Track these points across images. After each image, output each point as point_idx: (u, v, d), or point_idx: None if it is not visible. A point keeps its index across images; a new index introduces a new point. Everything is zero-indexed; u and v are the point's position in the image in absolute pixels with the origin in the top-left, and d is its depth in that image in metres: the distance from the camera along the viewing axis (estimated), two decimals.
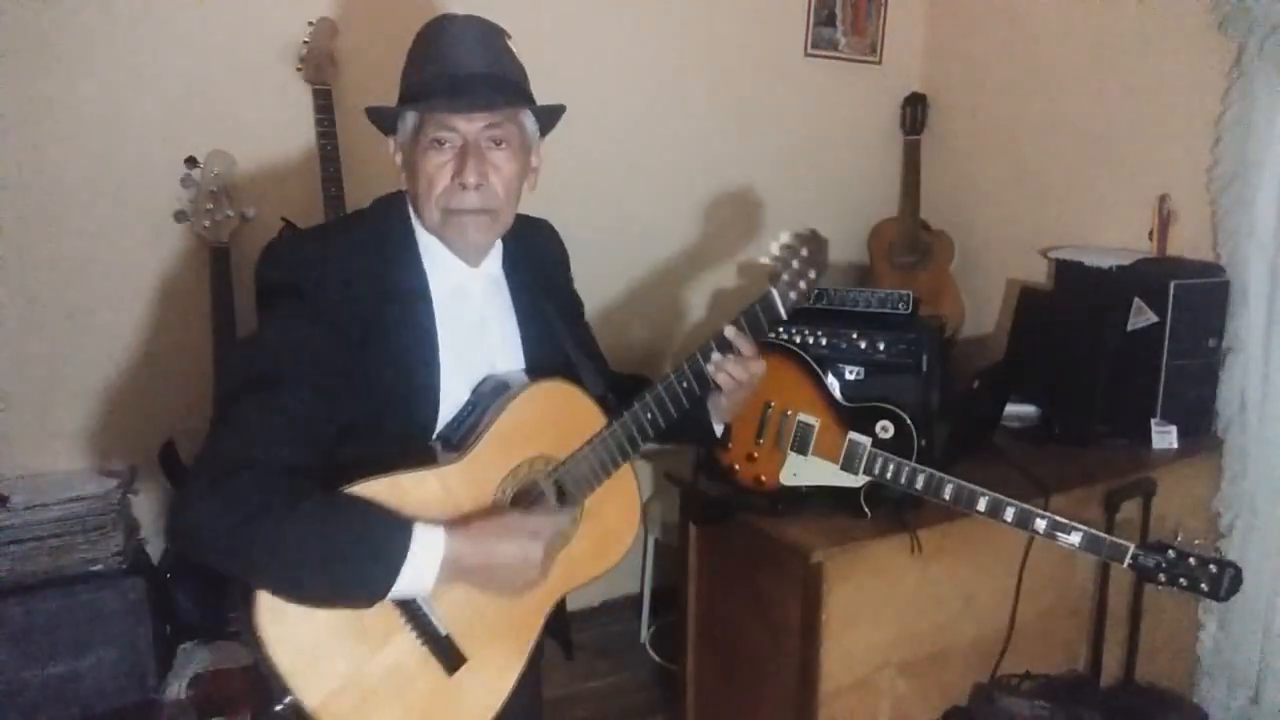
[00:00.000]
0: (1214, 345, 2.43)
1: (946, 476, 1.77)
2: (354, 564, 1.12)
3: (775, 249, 1.38)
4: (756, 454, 1.95)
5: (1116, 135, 2.77)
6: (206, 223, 2.24)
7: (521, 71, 1.33)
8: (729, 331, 1.37)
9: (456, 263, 1.33)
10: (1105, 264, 2.56)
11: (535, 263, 1.46)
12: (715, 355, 1.38)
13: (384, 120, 1.33)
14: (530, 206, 1.44)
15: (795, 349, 1.96)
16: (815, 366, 1.93)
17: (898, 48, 3.36)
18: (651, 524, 2.98)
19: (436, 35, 1.27)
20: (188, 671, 2.17)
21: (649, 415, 1.37)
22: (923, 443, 1.83)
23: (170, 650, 2.24)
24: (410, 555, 1.13)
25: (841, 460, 1.87)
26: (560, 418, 1.35)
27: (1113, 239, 2.78)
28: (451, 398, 1.30)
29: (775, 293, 1.37)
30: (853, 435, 1.86)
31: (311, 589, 1.12)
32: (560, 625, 1.53)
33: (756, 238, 3.21)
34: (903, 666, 2.00)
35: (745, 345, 1.38)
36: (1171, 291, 2.36)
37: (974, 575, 2.05)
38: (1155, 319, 2.39)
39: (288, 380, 1.16)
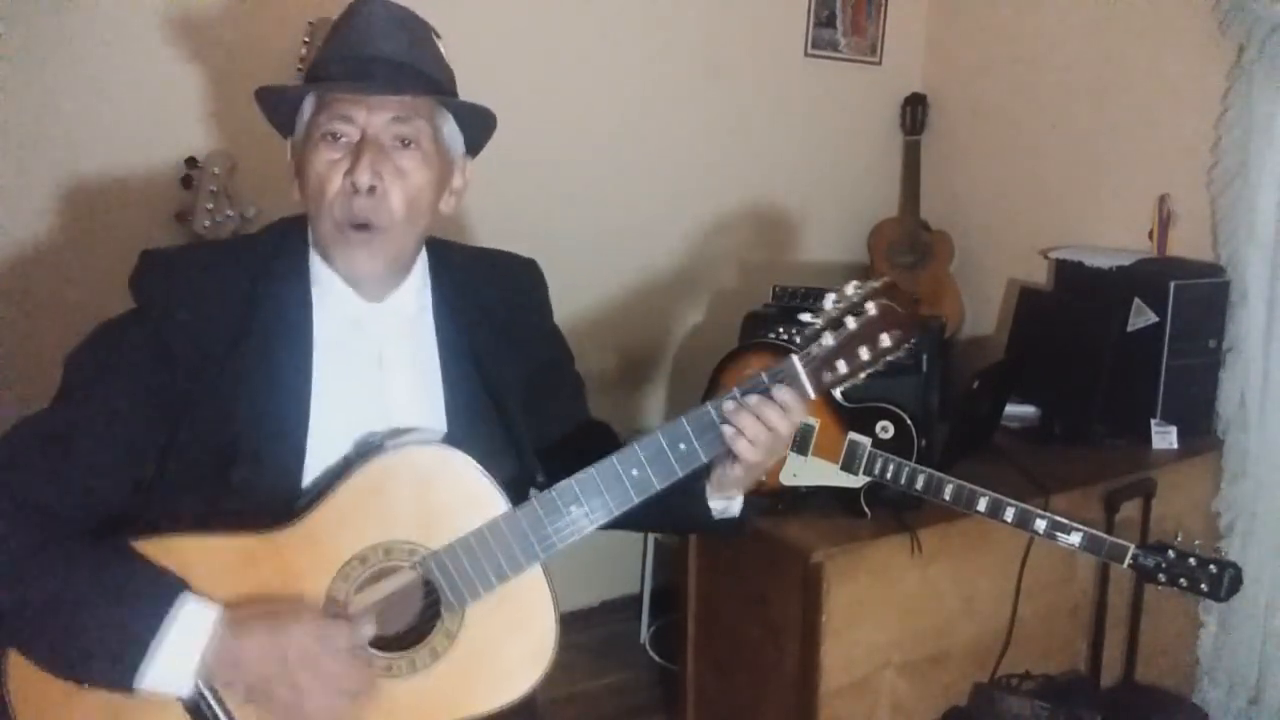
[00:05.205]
0: (1214, 345, 2.43)
1: (946, 476, 1.77)
2: (95, 631, 0.93)
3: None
4: None
5: (1116, 135, 2.77)
6: (206, 223, 2.24)
7: (446, 71, 1.15)
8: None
9: (350, 295, 1.12)
10: (1105, 264, 2.56)
11: (492, 303, 1.23)
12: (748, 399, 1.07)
13: (278, 112, 1.14)
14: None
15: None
16: None
17: (898, 48, 3.35)
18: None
19: (348, 17, 1.11)
20: None
21: (575, 507, 1.03)
22: (923, 443, 1.83)
23: None
24: (162, 634, 0.93)
25: (841, 460, 1.86)
26: (439, 496, 1.05)
27: (1113, 239, 2.77)
28: (326, 454, 1.08)
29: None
30: (853, 435, 1.86)
31: (46, 653, 0.95)
32: None
33: (756, 237, 3.21)
34: (903, 666, 2.00)
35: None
36: (1171, 291, 2.36)
37: (974, 575, 2.05)
38: (1155, 319, 2.39)
39: (95, 407, 1.02)
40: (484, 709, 1.06)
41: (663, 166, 3.00)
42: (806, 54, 3.20)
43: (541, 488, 1.10)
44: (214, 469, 1.04)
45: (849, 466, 1.86)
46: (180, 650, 0.95)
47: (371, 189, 1.06)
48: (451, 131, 1.16)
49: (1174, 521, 2.13)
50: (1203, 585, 1.58)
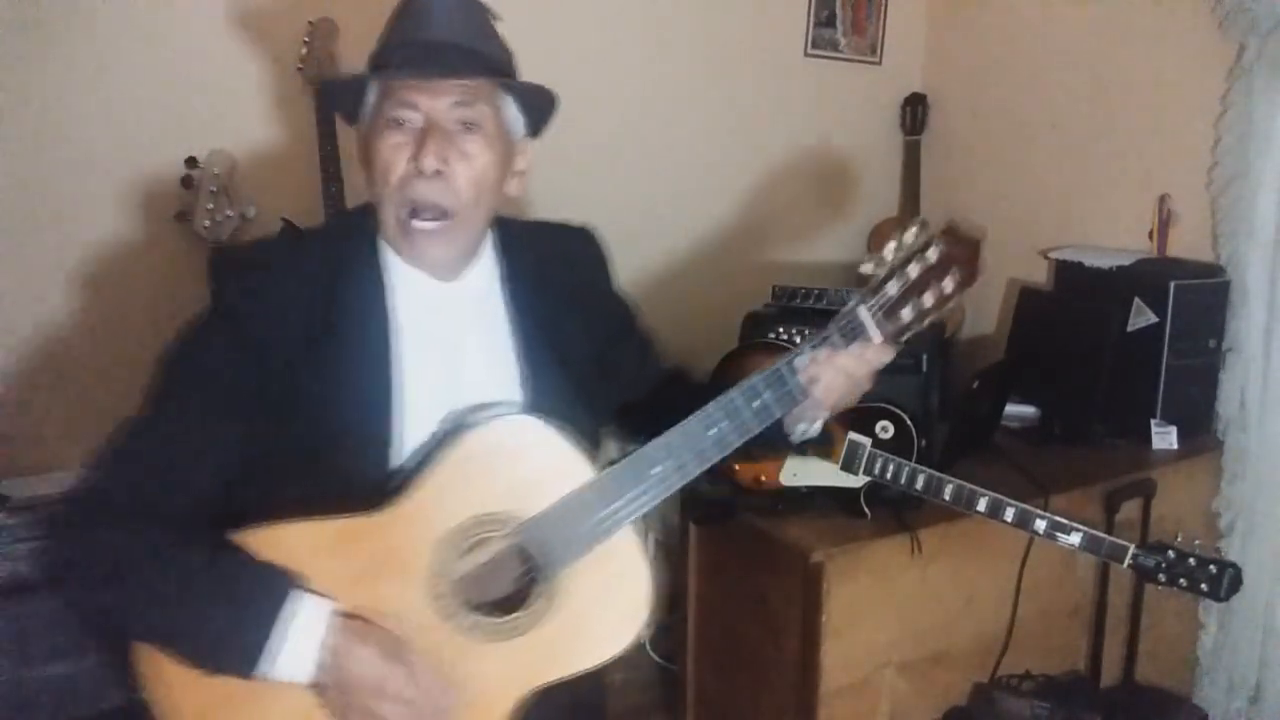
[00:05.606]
0: (1214, 345, 2.43)
1: (946, 477, 1.77)
2: (214, 630, 0.99)
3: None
4: (756, 454, 1.95)
5: (1116, 135, 2.77)
6: (206, 223, 2.24)
7: (506, 53, 1.17)
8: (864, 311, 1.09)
9: (424, 279, 1.15)
10: (1105, 264, 2.56)
11: (555, 274, 1.27)
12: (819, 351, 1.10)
13: (343, 101, 1.16)
14: (526, 209, 1.40)
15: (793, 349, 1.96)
16: None
17: (898, 48, 3.36)
18: (651, 524, 2.98)
19: (408, 4, 1.13)
20: None
21: (658, 469, 1.08)
22: (923, 443, 1.83)
23: None
24: (279, 631, 0.99)
25: (841, 460, 1.86)
26: (528, 465, 1.09)
27: (1113, 239, 2.77)
28: (412, 435, 1.11)
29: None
30: (853, 435, 1.86)
31: (170, 649, 1.01)
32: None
33: (756, 237, 3.21)
34: (903, 666, 2.00)
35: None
36: (1171, 291, 2.36)
37: (974, 575, 2.05)
38: (1155, 319, 2.39)
39: (195, 410, 1.07)
40: (585, 666, 1.12)
41: (662, 166, 3.01)
42: (806, 54, 3.20)
43: (621, 449, 1.16)
44: (304, 458, 1.08)
45: (849, 467, 1.86)
46: (298, 645, 1.00)
47: (438, 173, 1.08)
48: (513, 114, 1.19)
49: (1174, 521, 2.14)
50: (1203, 585, 1.58)
